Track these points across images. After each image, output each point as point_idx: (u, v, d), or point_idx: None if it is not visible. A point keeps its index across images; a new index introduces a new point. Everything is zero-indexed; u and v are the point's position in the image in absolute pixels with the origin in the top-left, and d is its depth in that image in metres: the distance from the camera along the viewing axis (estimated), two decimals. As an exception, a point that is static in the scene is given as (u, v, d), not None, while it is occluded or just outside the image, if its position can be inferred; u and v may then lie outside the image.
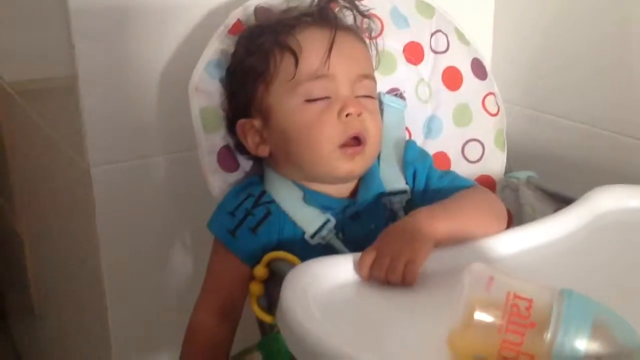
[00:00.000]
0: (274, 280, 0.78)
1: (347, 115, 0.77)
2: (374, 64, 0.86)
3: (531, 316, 0.54)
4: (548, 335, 0.53)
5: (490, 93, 0.96)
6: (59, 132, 1.09)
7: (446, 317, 0.57)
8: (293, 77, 0.78)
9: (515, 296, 0.55)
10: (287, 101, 0.78)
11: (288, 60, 0.78)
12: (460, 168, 0.93)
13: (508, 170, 0.98)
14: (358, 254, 0.70)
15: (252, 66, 0.80)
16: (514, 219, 0.92)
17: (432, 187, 0.83)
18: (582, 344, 0.53)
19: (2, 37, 1.41)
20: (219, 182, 0.85)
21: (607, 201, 0.82)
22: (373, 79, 0.82)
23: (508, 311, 0.54)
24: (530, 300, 0.54)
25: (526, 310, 0.54)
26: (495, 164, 0.96)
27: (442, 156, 0.94)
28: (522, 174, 0.95)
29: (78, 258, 1.16)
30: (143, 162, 0.96)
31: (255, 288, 0.77)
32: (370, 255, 0.68)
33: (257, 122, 0.81)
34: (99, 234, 0.97)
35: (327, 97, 0.78)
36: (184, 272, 1.03)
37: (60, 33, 0.93)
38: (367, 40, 0.86)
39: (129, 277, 1.01)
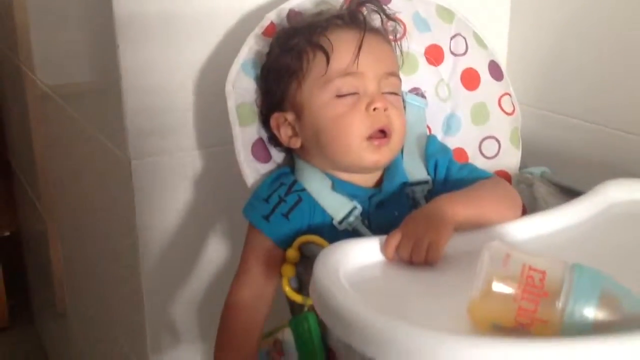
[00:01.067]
0: (304, 263, 0.84)
1: (374, 110, 0.83)
2: (399, 64, 0.92)
3: (545, 286, 0.59)
4: (560, 304, 0.59)
5: (506, 93, 1.02)
6: (100, 128, 1.15)
7: (466, 291, 0.63)
8: (324, 74, 0.84)
9: (530, 268, 0.60)
10: (319, 96, 0.85)
11: (320, 58, 0.85)
12: (478, 164, 0.98)
13: (523, 166, 1.03)
14: (384, 237, 0.76)
15: (286, 64, 0.87)
16: (528, 213, 0.97)
17: (452, 177, 0.89)
18: (591, 311, 0.58)
19: (44, 41, 1.48)
20: (252, 173, 0.91)
21: (618, 193, 0.87)
22: (398, 77, 0.89)
23: (523, 282, 0.60)
24: (543, 272, 0.60)
25: (540, 281, 0.60)
26: (510, 160, 1.01)
27: (460, 152, 1.00)
28: (537, 170, 1.00)
29: (114, 250, 1.22)
30: (181, 156, 1.02)
31: (287, 270, 0.83)
32: (395, 237, 0.74)
33: (290, 116, 0.87)
34: (138, 225, 1.03)
35: (356, 93, 0.84)
36: (220, 261, 1.09)
37: (104, 37, 0.99)
38: (392, 42, 0.93)
39: (166, 266, 1.06)
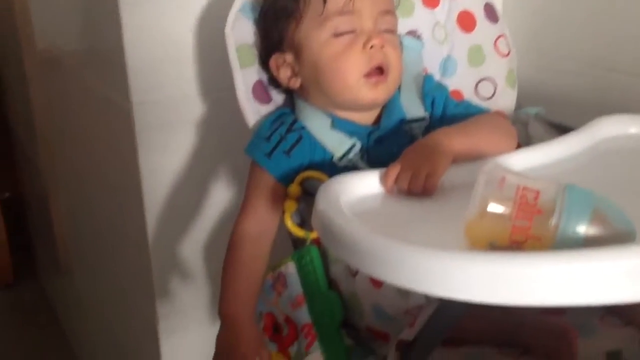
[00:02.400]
0: (306, 200, 0.87)
1: (371, 47, 0.85)
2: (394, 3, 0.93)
3: (538, 204, 0.62)
4: (553, 221, 0.61)
5: (502, 35, 1.03)
6: (100, 76, 1.16)
7: (463, 217, 0.65)
8: (321, 14, 0.86)
9: (524, 188, 0.62)
10: (317, 36, 0.86)
11: None
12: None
13: (518, 107, 1.05)
14: (384, 169, 0.78)
15: (283, 5, 0.88)
16: (523, 151, 1.00)
17: (449, 113, 0.91)
18: (582, 228, 0.61)
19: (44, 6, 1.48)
20: (253, 114, 0.93)
21: (610, 128, 0.88)
22: (394, 15, 0.90)
23: (518, 201, 0.62)
24: (537, 192, 0.62)
25: (534, 200, 0.62)
26: (506, 100, 1.03)
27: (457, 94, 1.01)
28: (532, 110, 1.02)
29: (117, 200, 1.24)
30: (182, 101, 1.04)
31: (289, 205, 0.86)
32: (395, 168, 0.76)
33: (289, 57, 0.89)
34: (141, 171, 1.05)
35: (353, 31, 0.86)
36: (223, 204, 1.11)
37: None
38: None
39: (171, 210, 1.09)
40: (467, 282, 0.58)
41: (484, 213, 0.63)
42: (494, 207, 0.63)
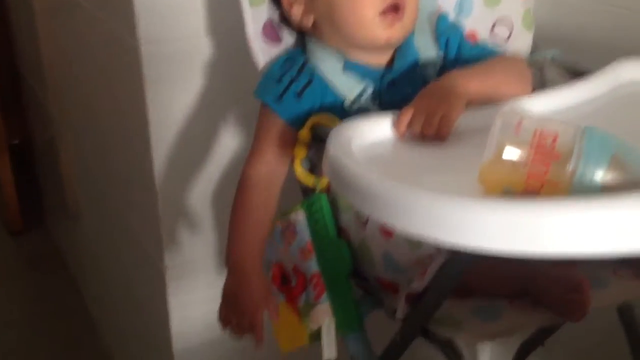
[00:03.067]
0: (316, 146, 0.85)
1: None
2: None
3: (556, 148, 0.60)
4: (570, 166, 0.59)
5: (520, -26, 1.00)
6: (109, 16, 1.14)
7: (477, 165, 0.63)
8: None
9: (542, 132, 0.61)
10: None
11: None
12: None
13: (534, 50, 1.02)
14: (396, 113, 0.76)
15: None
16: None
17: (464, 55, 0.88)
18: (600, 174, 0.59)
19: None
20: (263, 54, 0.91)
21: (628, 72, 0.86)
22: (412, -50, 0.87)
23: (535, 145, 0.60)
24: (555, 135, 0.60)
25: (551, 144, 0.60)
26: (522, 43, 1.00)
27: (472, 34, 0.98)
28: (548, 53, 0.99)
29: (125, 144, 1.23)
30: (191, 42, 1.02)
31: (299, 151, 0.84)
32: (408, 112, 0.74)
33: None
34: (149, 114, 1.04)
35: None
36: (232, 150, 1.10)
37: None
38: None
39: (179, 156, 1.07)
40: (479, 229, 0.57)
41: (499, 158, 0.62)
42: (510, 152, 0.61)
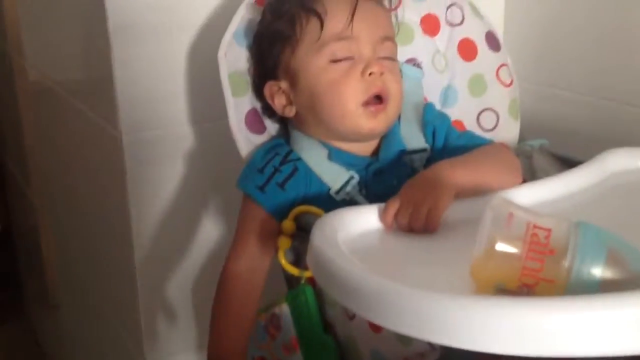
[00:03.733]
0: (301, 236, 0.82)
1: (370, 74, 0.81)
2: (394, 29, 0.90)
3: (550, 244, 0.57)
4: (566, 262, 0.57)
5: (504, 64, 1.00)
6: (91, 106, 1.13)
7: (467, 258, 0.61)
8: (318, 39, 0.82)
9: (535, 226, 0.58)
10: (313, 62, 0.83)
11: (313, 23, 0.83)
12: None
13: (521, 139, 1.01)
14: (383, 204, 0.74)
15: (279, 30, 0.84)
16: (527, 185, 0.96)
17: (451, 144, 0.87)
18: (598, 270, 0.56)
19: (33, 26, 1.45)
20: (247, 144, 0.89)
21: (618, 162, 0.85)
22: (394, 42, 0.87)
23: (528, 240, 0.57)
24: (549, 230, 0.58)
25: (545, 239, 0.58)
26: (509, 132, 0.99)
27: (458, 124, 0.97)
28: (536, 142, 0.98)
29: (106, 233, 1.20)
30: (173, 131, 1.00)
31: (283, 242, 0.81)
32: (394, 203, 0.72)
33: (284, 84, 0.85)
34: (130, 202, 1.01)
35: (351, 58, 0.82)
36: (214, 239, 1.07)
37: (94, 20, 0.98)
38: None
39: (160, 245, 1.04)
40: (472, 330, 0.54)
41: (491, 253, 0.59)
42: (503, 247, 0.58)
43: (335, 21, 0.82)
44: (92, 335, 1.46)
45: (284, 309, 0.82)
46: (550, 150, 0.97)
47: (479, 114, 0.98)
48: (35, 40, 1.47)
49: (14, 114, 1.78)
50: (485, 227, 0.60)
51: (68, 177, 1.43)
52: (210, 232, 1.06)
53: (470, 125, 0.98)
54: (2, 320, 2.17)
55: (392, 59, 0.86)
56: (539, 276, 0.57)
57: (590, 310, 0.51)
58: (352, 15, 0.82)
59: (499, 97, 0.99)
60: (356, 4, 0.82)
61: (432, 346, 0.70)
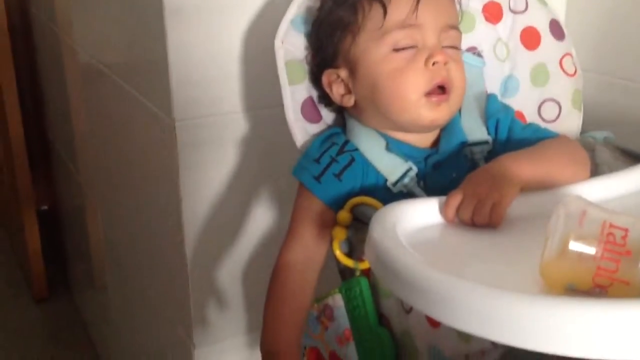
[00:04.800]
0: (356, 227, 0.81)
1: (433, 64, 0.79)
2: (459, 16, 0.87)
3: (627, 244, 0.55)
4: (643, 264, 0.54)
5: (568, 54, 0.96)
6: (143, 91, 1.12)
7: (532, 254, 0.59)
8: (381, 27, 0.80)
9: (611, 225, 0.56)
10: (375, 50, 0.80)
11: (376, 10, 0.80)
12: (539, 126, 0.93)
13: (583, 131, 0.98)
14: (444, 198, 0.72)
15: (339, 17, 0.82)
16: (590, 179, 0.93)
17: (515, 137, 0.84)
18: (678, 272, 0.54)
19: (84, 11, 1.45)
20: (302, 133, 0.88)
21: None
22: (459, 30, 0.84)
23: (604, 239, 0.55)
24: (626, 230, 0.55)
25: (622, 239, 0.55)
26: (571, 124, 0.96)
27: (519, 115, 0.94)
28: (599, 134, 0.95)
29: (156, 219, 1.19)
30: (226, 118, 0.99)
31: (338, 233, 0.80)
32: (456, 197, 0.70)
33: (343, 73, 0.84)
34: (182, 189, 1.00)
35: (414, 46, 0.80)
36: (265, 228, 1.06)
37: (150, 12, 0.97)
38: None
39: (211, 233, 1.04)
40: (541, 331, 0.52)
41: (564, 252, 0.56)
42: (577, 246, 0.56)
43: (399, 8, 0.80)
44: (139, 318, 1.47)
45: (337, 300, 0.81)
46: (615, 143, 0.94)
47: (541, 105, 0.95)
48: (85, 22, 1.47)
49: (63, 95, 1.80)
50: (557, 225, 0.57)
51: (117, 160, 1.43)
52: (262, 220, 1.05)
53: (531, 115, 0.95)
54: (49, 298, 2.21)
55: (457, 47, 0.83)
56: (614, 277, 0.55)
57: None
58: (417, 2, 0.79)
59: (562, 88, 0.96)
60: None
61: (494, 344, 0.68)
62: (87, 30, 1.47)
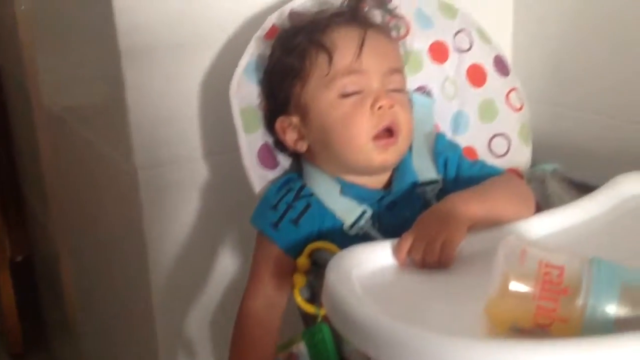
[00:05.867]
0: (316, 272, 0.82)
1: (379, 108, 0.82)
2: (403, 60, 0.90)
3: (563, 283, 0.57)
4: (580, 301, 0.57)
5: (513, 89, 1.00)
6: (106, 141, 1.14)
7: (482, 292, 0.61)
8: (328, 74, 0.83)
9: (547, 265, 0.58)
10: (323, 97, 0.83)
11: (323, 57, 0.83)
12: (488, 162, 0.95)
13: (533, 163, 1.01)
14: (396, 240, 0.74)
15: (289, 65, 0.85)
16: (542, 210, 0.95)
17: (463, 175, 0.87)
18: (612, 307, 0.56)
19: (50, 61, 1.47)
20: (259, 179, 0.90)
21: (631, 186, 0.85)
22: (403, 73, 0.87)
23: (541, 279, 0.57)
24: (561, 268, 0.58)
25: (558, 278, 0.57)
26: (521, 157, 0.99)
27: (470, 151, 0.98)
28: (548, 166, 0.98)
29: (124, 266, 1.20)
30: (187, 165, 1.01)
31: (298, 279, 0.81)
32: (407, 239, 0.72)
33: (295, 119, 0.86)
34: (146, 237, 1.02)
35: (360, 92, 0.83)
36: (231, 271, 1.07)
37: (108, 53, 0.98)
38: (395, 40, 0.91)
39: (177, 278, 1.05)
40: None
41: (505, 292, 0.59)
42: (516, 286, 0.58)
43: (344, 55, 0.83)
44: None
45: (302, 348, 0.82)
46: (564, 174, 0.97)
47: (490, 140, 0.99)
48: (49, 68, 1.48)
49: (33, 144, 1.80)
50: (498, 265, 0.60)
51: (85, 207, 1.44)
52: (228, 264, 1.07)
53: (482, 151, 0.98)
54: (24, 351, 2.17)
55: (401, 90, 0.86)
56: (553, 316, 0.57)
57: (600, 350, 0.52)
58: (360, 49, 0.82)
59: (510, 122, 0.99)
60: (364, 38, 0.83)
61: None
62: (51, 76, 1.48)
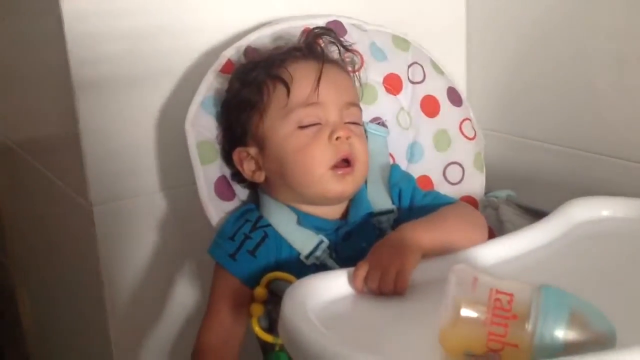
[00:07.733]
0: (274, 302, 0.82)
1: (336, 139, 0.83)
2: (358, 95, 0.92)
3: (513, 309, 0.59)
4: (529, 326, 0.58)
5: (467, 119, 1.02)
6: (61, 176, 1.13)
7: (437, 319, 0.62)
8: (285, 106, 0.84)
9: (498, 292, 0.59)
10: (281, 128, 0.84)
11: (280, 90, 0.85)
12: (443, 190, 0.98)
13: (488, 190, 1.03)
14: (352, 269, 0.75)
15: (247, 97, 0.86)
16: (496, 236, 0.97)
17: (416, 205, 0.89)
18: (561, 332, 0.58)
19: (5, 98, 1.45)
20: (217, 211, 0.90)
21: (582, 212, 0.88)
22: (359, 107, 0.89)
23: (492, 306, 0.59)
24: (511, 295, 0.59)
25: (508, 304, 0.59)
26: (475, 185, 1.01)
27: (425, 179, 0.99)
28: (502, 193, 1.00)
29: (81, 301, 1.19)
30: (143, 199, 1.01)
31: (256, 309, 0.81)
32: (363, 268, 0.73)
33: (252, 150, 0.87)
34: (103, 272, 1.01)
35: (318, 123, 0.84)
36: (189, 304, 1.06)
37: (61, 85, 0.98)
38: (351, 73, 0.93)
39: (135, 313, 1.04)
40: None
41: (457, 319, 0.60)
42: (467, 312, 0.59)
43: (301, 88, 0.84)
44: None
45: (260, 377, 0.82)
46: (517, 200, 1.00)
47: (445, 168, 1.00)
48: (3, 101, 1.46)
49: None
50: (449, 292, 0.61)
51: (41, 242, 1.42)
52: (185, 298, 1.06)
53: (437, 179, 1.00)
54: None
55: (358, 123, 0.88)
56: (504, 341, 0.58)
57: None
58: (318, 81, 0.84)
59: (464, 151, 1.01)
60: (321, 71, 0.84)
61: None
62: (4, 108, 1.46)
